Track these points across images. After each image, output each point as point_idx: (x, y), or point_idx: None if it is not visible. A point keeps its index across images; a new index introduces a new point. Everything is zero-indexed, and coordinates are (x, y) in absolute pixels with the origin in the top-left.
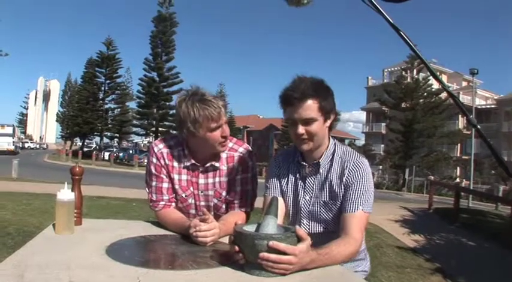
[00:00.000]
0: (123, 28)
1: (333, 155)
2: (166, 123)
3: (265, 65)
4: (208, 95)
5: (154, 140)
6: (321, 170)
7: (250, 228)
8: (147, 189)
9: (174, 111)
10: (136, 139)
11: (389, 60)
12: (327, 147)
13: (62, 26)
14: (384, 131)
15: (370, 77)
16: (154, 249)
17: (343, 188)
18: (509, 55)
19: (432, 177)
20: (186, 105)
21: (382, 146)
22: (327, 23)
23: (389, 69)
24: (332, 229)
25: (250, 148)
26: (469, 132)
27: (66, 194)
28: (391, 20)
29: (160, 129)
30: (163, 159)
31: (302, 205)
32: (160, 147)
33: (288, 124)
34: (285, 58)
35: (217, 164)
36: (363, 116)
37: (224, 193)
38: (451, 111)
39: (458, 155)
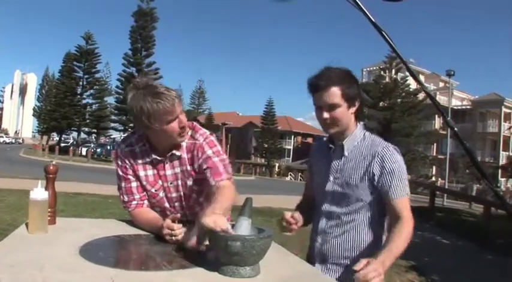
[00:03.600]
0: (103, 22)
1: (361, 140)
2: None
3: (245, 62)
4: (160, 87)
5: None
6: (346, 153)
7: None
8: (118, 191)
9: None
10: (115, 135)
11: (368, 60)
12: (353, 133)
13: (40, 18)
14: None
15: None
16: (128, 249)
17: (371, 173)
18: (484, 57)
19: (409, 176)
20: (137, 100)
21: None
22: (307, 22)
23: (368, 69)
24: (352, 209)
25: (207, 132)
26: (444, 132)
27: (39, 192)
28: (373, 20)
29: None
30: (128, 158)
31: (327, 186)
32: (122, 147)
33: (315, 110)
34: (264, 56)
35: (178, 153)
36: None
37: (189, 181)
38: (428, 111)
39: (434, 154)
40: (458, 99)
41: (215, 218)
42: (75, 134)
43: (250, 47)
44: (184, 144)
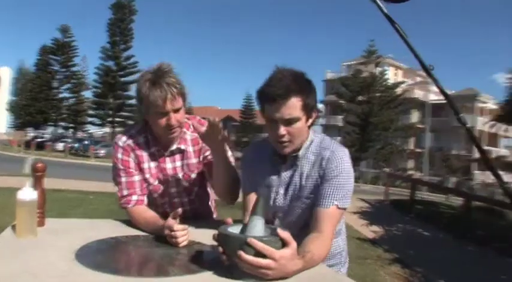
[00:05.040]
0: (79, 15)
1: (311, 147)
2: (124, 113)
3: (225, 55)
4: (166, 77)
5: (111, 130)
6: (297, 163)
7: (236, 229)
8: (116, 186)
9: (132, 101)
10: (93, 129)
11: (347, 54)
12: (306, 141)
13: (12, 10)
14: (340, 124)
15: (328, 70)
16: (128, 252)
17: (319, 180)
18: (461, 53)
19: (388, 170)
20: (140, 82)
21: (339, 138)
22: (286, 15)
23: (347, 63)
24: (307, 223)
25: None
26: (422, 126)
27: (28, 193)
28: (386, 11)
29: (117, 119)
30: (132, 151)
31: (276, 199)
32: (124, 139)
33: (267, 122)
34: (243, 50)
35: (182, 147)
36: (320, 108)
37: (193, 175)
38: (406, 105)
39: (411, 148)
40: (435, 94)
41: None
42: (51, 129)
43: (230, 40)
44: (188, 137)
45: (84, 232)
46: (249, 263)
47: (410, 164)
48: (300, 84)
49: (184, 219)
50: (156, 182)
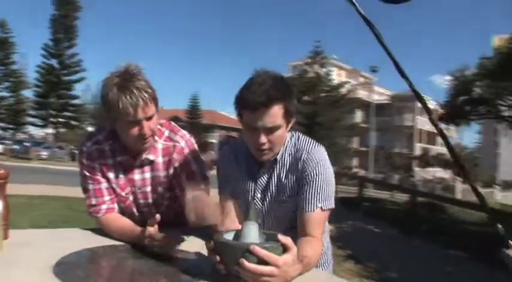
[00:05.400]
0: (18, 10)
1: (288, 148)
2: (67, 113)
3: (170, 55)
4: (135, 81)
5: (54, 131)
6: (274, 166)
7: (229, 236)
8: (84, 194)
9: (75, 101)
10: (34, 131)
11: (292, 55)
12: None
13: None
14: None
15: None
16: (111, 265)
17: (297, 183)
18: (401, 54)
19: (334, 168)
20: (106, 87)
21: None
22: (230, 13)
23: (292, 63)
24: (287, 226)
25: (187, 134)
26: (366, 126)
27: None
28: (363, 14)
29: (60, 120)
30: (96, 158)
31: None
32: (88, 145)
33: (245, 129)
34: (188, 49)
35: (151, 157)
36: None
37: (161, 188)
38: (350, 105)
39: (355, 146)
40: (378, 94)
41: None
42: None
43: (174, 39)
44: (160, 146)
45: (54, 244)
46: (251, 272)
47: (355, 162)
48: (282, 91)
49: (159, 227)
50: (124, 193)
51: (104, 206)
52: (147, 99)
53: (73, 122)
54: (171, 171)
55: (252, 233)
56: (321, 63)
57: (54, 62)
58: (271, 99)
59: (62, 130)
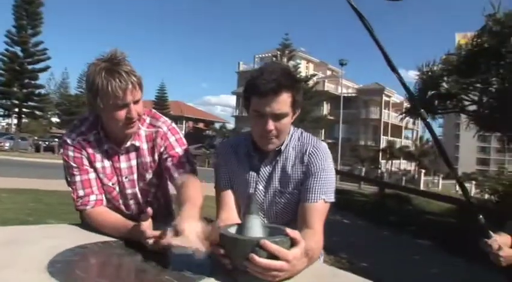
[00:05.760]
0: None
1: (292, 141)
2: (32, 103)
3: (138, 45)
4: (124, 66)
5: (17, 121)
6: (277, 158)
7: (232, 230)
8: (70, 187)
9: (40, 90)
10: None
11: (260, 47)
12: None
13: None
14: None
15: (241, 62)
16: (110, 263)
17: (302, 174)
18: (368, 49)
19: None
20: (93, 72)
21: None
22: (201, 4)
23: (260, 56)
24: (289, 219)
25: (168, 120)
26: (332, 118)
27: None
28: (355, 6)
29: (24, 110)
30: (82, 148)
31: (257, 198)
32: (73, 137)
33: (253, 116)
34: (155, 39)
35: (137, 143)
36: (230, 99)
37: (148, 175)
38: (318, 98)
39: (323, 139)
40: (345, 87)
41: (194, 227)
42: None
43: (140, 29)
44: (143, 133)
45: (42, 241)
46: (262, 266)
47: None
48: (291, 80)
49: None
50: (111, 183)
51: (92, 197)
52: (135, 83)
53: (37, 112)
54: (156, 156)
55: (256, 227)
56: (289, 56)
57: (17, 50)
58: (281, 86)
59: (25, 121)
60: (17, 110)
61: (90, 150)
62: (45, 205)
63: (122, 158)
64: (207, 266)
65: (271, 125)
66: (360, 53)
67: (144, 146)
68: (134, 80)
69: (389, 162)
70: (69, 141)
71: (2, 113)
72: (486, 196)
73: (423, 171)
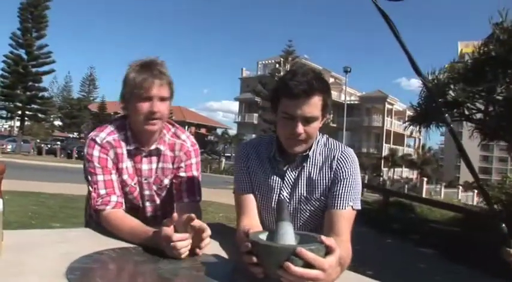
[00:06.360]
0: None
1: (319, 147)
2: (35, 106)
3: (138, 49)
4: (159, 66)
5: (20, 124)
6: (303, 164)
7: (263, 236)
8: (90, 187)
9: (43, 93)
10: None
11: (263, 54)
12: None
13: None
14: (256, 121)
15: (244, 68)
16: (131, 270)
17: (330, 180)
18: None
19: None
20: (130, 68)
21: (254, 135)
22: (202, 10)
23: (263, 62)
24: (313, 226)
25: (191, 136)
26: (335, 126)
27: None
28: (380, 6)
29: (27, 112)
30: (111, 148)
31: None
32: (103, 136)
33: (281, 117)
34: (158, 44)
35: (162, 147)
36: (232, 105)
37: (166, 180)
38: None
39: None
40: (348, 95)
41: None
42: None
43: (143, 34)
44: (167, 140)
45: (56, 246)
46: (298, 275)
47: None
48: (323, 84)
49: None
50: (133, 183)
51: (113, 197)
52: (164, 80)
53: (40, 115)
54: (175, 166)
55: (289, 234)
56: (292, 62)
57: (22, 53)
58: (314, 89)
59: (29, 123)
60: (20, 112)
61: (118, 150)
62: (48, 208)
63: (144, 159)
64: (229, 274)
65: (300, 128)
66: (362, 60)
67: (168, 153)
68: (163, 78)
69: (392, 170)
70: (98, 139)
71: (5, 115)
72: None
73: (425, 179)
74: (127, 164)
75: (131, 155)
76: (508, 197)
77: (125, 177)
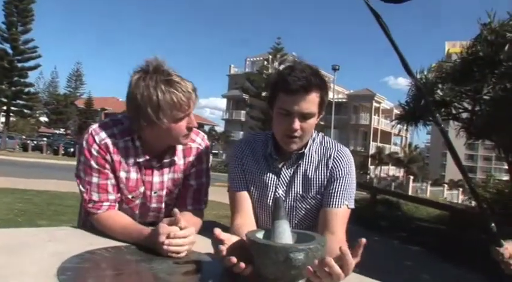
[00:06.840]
0: None
1: (314, 145)
2: (21, 101)
3: (126, 46)
4: (174, 75)
5: (5, 119)
6: (299, 162)
7: (260, 235)
8: (81, 187)
9: (29, 89)
10: None
11: (251, 51)
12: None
13: None
14: (243, 119)
15: (232, 65)
16: (124, 270)
17: (326, 179)
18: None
19: None
20: (146, 86)
21: (242, 133)
22: (190, 6)
23: (251, 59)
24: (309, 225)
25: (205, 137)
26: (323, 123)
27: None
28: (371, 5)
29: (12, 108)
30: (107, 151)
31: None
32: (102, 136)
33: (278, 113)
34: (145, 40)
35: (176, 159)
36: (220, 102)
37: (176, 190)
38: None
39: None
40: (335, 93)
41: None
42: None
43: (129, 29)
44: (180, 147)
45: (45, 246)
46: (336, 273)
47: None
48: (321, 80)
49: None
50: (130, 196)
51: (105, 204)
52: (193, 91)
53: (26, 111)
54: (186, 172)
55: (286, 233)
56: (280, 60)
57: (7, 47)
58: (312, 85)
59: (13, 119)
60: (5, 108)
61: (116, 158)
62: (34, 205)
63: (156, 172)
64: (221, 272)
65: (297, 124)
66: (351, 58)
67: (180, 162)
68: (191, 87)
69: (378, 168)
70: (96, 138)
71: None
72: (473, 203)
73: (411, 177)
74: (128, 175)
75: (139, 166)
76: (492, 195)
77: (122, 186)
